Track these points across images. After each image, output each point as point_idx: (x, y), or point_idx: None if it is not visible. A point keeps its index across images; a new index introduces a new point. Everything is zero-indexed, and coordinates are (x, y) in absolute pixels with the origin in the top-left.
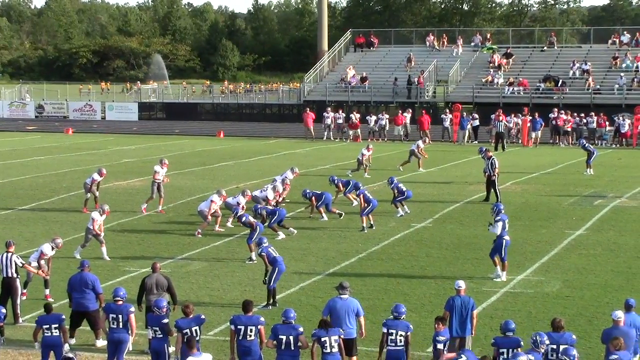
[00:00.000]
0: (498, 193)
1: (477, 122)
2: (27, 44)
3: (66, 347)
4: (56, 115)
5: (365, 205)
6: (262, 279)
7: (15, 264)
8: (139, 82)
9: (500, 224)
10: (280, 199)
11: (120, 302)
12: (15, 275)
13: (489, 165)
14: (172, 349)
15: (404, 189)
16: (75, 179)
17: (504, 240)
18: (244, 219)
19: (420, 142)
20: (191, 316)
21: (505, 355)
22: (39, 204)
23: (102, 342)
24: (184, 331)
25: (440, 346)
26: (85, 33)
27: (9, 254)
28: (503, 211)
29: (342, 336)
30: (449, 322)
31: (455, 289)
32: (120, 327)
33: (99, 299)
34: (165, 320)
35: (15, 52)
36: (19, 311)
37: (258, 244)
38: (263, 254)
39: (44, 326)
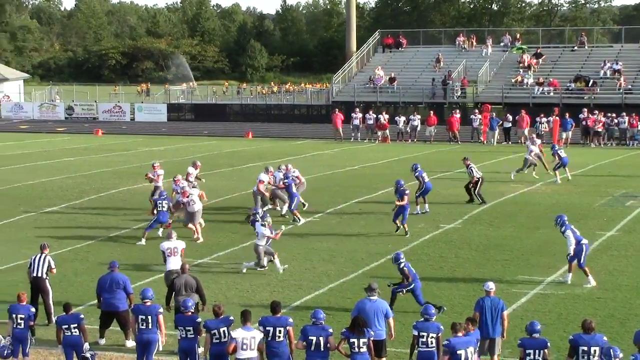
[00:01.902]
0: (477, 196)
1: (509, 124)
2: (57, 46)
3: (86, 346)
4: (86, 117)
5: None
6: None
7: (49, 266)
8: (167, 83)
9: (570, 233)
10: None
11: (149, 303)
12: (45, 276)
13: (470, 172)
14: (200, 349)
15: (426, 179)
16: (104, 180)
17: (584, 245)
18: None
19: (533, 147)
20: (221, 317)
21: (531, 357)
22: (68, 205)
23: (131, 343)
24: (212, 332)
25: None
26: (114, 35)
27: (44, 255)
28: (567, 221)
29: (371, 338)
30: (479, 323)
31: (485, 290)
32: (149, 327)
33: (129, 299)
34: (199, 320)
35: (45, 54)
36: (51, 311)
37: (395, 260)
38: (405, 269)
39: (64, 326)
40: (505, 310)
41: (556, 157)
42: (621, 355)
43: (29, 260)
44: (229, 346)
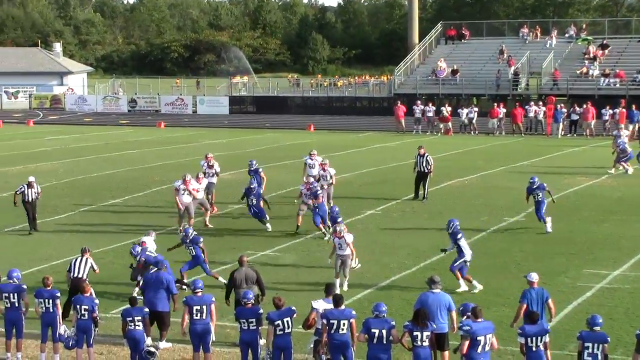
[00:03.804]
0: (426, 191)
1: (576, 116)
2: (120, 39)
3: (148, 340)
4: (148, 109)
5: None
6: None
7: (91, 267)
8: (230, 76)
9: (463, 240)
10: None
11: (200, 293)
12: (85, 277)
13: (425, 162)
14: (263, 341)
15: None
16: (167, 173)
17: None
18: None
19: (621, 139)
20: (282, 308)
21: (590, 350)
22: (131, 197)
23: (165, 344)
24: (276, 323)
25: (522, 340)
26: (176, 28)
27: (85, 257)
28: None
29: (434, 331)
30: (526, 314)
31: (529, 281)
32: (204, 318)
33: (173, 300)
34: (260, 311)
35: (108, 47)
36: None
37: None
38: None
39: (128, 319)
40: (550, 299)
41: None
42: None
43: (69, 263)
44: (309, 315)
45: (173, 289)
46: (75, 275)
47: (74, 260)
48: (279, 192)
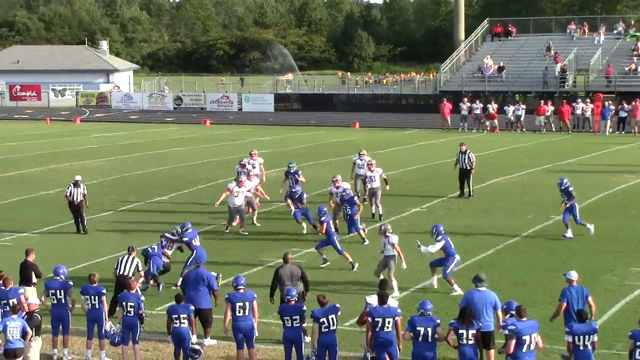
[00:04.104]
0: (471, 188)
1: (625, 113)
2: (166, 37)
3: (194, 338)
4: (194, 107)
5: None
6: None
7: (137, 267)
8: (275, 73)
9: (439, 244)
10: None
11: (243, 290)
12: (131, 274)
13: (466, 159)
14: (308, 338)
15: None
16: (212, 170)
17: (456, 259)
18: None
19: None
20: (327, 306)
21: None
22: (177, 194)
23: (210, 341)
24: (321, 320)
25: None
26: (222, 25)
27: (132, 256)
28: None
29: (480, 329)
30: (567, 312)
31: (568, 279)
32: (247, 314)
33: (215, 296)
34: (304, 308)
35: (154, 44)
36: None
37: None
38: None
39: (173, 316)
40: (590, 297)
41: None
42: None
43: (116, 261)
44: (364, 311)
45: (214, 285)
46: (121, 272)
47: (120, 258)
48: (323, 190)
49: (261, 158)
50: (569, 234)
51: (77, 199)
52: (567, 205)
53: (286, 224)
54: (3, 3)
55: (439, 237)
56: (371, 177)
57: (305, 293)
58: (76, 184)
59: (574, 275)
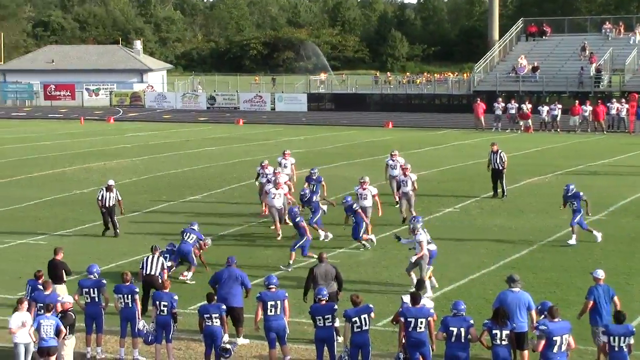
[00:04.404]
0: (504, 187)
1: None
2: (200, 37)
3: (225, 337)
4: (227, 107)
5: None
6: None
7: (162, 266)
8: (308, 73)
9: (419, 236)
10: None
11: (274, 289)
12: (158, 274)
13: (498, 159)
14: (340, 338)
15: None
16: (245, 169)
17: (431, 251)
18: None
19: None
20: (360, 306)
21: None
22: (210, 194)
23: (243, 340)
24: (353, 320)
25: (605, 339)
26: (255, 25)
27: (156, 256)
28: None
29: (513, 330)
30: (593, 311)
31: (594, 277)
32: (278, 313)
33: (247, 294)
34: (336, 307)
35: (188, 44)
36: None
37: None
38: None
39: (205, 315)
40: (616, 296)
41: None
42: None
43: (141, 261)
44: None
45: (248, 284)
46: (148, 272)
47: (145, 258)
48: (351, 192)
49: (293, 158)
50: (573, 240)
51: (109, 204)
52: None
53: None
54: (38, 3)
55: (415, 230)
56: (404, 182)
57: (338, 293)
58: (109, 189)
59: (600, 273)
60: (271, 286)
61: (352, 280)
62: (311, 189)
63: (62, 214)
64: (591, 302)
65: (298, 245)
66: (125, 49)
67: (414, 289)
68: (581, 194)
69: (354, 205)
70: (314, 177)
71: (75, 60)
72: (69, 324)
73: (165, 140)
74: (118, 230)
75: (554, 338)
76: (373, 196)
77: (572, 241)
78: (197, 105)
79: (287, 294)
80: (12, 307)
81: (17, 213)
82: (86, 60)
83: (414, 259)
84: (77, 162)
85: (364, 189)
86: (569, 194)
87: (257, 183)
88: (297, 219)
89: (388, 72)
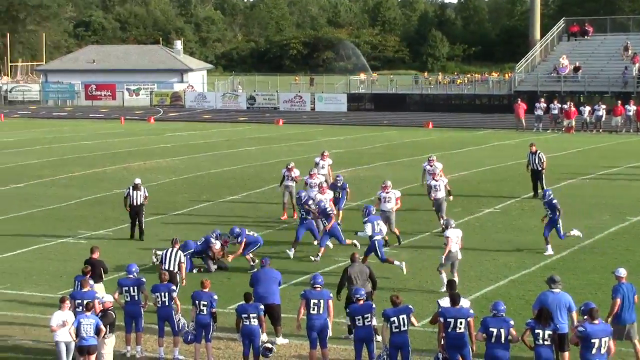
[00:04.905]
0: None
1: None
2: (240, 37)
3: (264, 337)
4: (267, 107)
5: None
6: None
7: (179, 260)
8: (348, 73)
9: (369, 225)
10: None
11: (319, 288)
12: (176, 270)
13: (537, 160)
14: (379, 337)
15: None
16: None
17: (376, 241)
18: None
19: None
20: (400, 306)
21: None
22: (249, 194)
23: (282, 340)
24: (391, 320)
25: None
26: (295, 25)
27: (175, 249)
28: (373, 212)
29: (557, 330)
30: (618, 309)
31: (617, 276)
32: (321, 313)
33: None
34: (374, 306)
35: (228, 44)
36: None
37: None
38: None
39: (243, 315)
40: (636, 294)
41: None
42: None
43: (161, 255)
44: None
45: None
46: (166, 267)
47: (165, 251)
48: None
49: (330, 159)
50: (549, 250)
51: (136, 202)
52: (547, 220)
53: (351, 223)
54: (79, 3)
55: (366, 219)
56: (435, 187)
57: (372, 292)
58: (136, 187)
59: (622, 272)
60: (316, 285)
61: (389, 279)
62: (336, 196)
63: (102, 213)
64: (619, 301)
65: (326, 241)
66: (165, 49)
67: (444, 289)
68: (555, 201)
69: (329, 210)
70: (339, 185)
71: (116, 60)
72: (109, 322)
73: (206, 140)
74: (143, 233)
75: (592, 340)
76: (396, 199)
77: (549, 251)
78: (237, 105)
79: (331, 295)
80: (52, 305)
81: (57, 212)
82: (127, 60)
83: (443, 258)
84: (117, 162)
85: (387, 192)
86: (545, 201)
87: (280, 187)
88: (327, 209)
89: (425, 73)
